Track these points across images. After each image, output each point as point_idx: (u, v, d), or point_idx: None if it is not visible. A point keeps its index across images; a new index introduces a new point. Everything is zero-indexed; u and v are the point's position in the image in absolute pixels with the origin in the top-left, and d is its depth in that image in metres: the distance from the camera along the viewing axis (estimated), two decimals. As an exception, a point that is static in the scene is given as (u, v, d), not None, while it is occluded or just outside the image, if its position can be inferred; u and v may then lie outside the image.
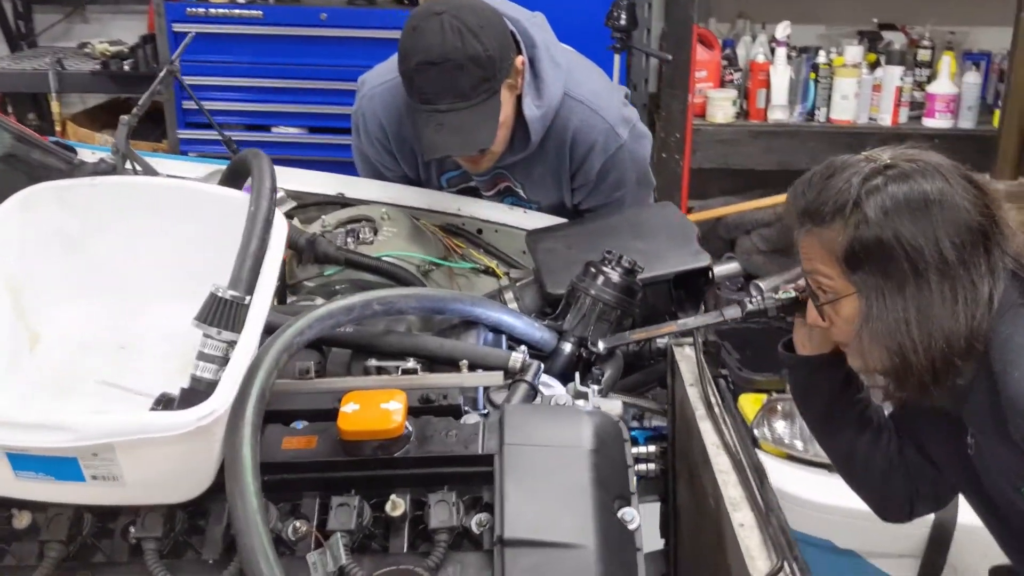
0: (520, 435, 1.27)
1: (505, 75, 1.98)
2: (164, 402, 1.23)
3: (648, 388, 1.96)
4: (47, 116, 4.28)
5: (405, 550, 1.22)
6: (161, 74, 2.24)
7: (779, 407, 2.97)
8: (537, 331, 1.64)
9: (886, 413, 1.70)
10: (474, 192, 2.33)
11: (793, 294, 1.57)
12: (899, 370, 1.39)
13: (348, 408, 1.26)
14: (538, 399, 1.40)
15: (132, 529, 1.23)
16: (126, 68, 4.08)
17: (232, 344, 1.21)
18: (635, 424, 2.04)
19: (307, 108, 4.15)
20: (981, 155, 3.92)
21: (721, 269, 4.10)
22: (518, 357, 1.44)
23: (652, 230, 1.98)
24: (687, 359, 1.77)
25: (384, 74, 2.19)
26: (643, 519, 2.18)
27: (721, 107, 4.24)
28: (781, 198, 3.94)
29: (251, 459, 1.15)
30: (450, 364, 1.45)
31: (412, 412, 1.35)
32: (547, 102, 2.06)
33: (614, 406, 1.45)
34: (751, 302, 1.57)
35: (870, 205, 1.35)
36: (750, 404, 2.82)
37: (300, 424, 1.35)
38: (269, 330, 1.32)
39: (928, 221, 1.32)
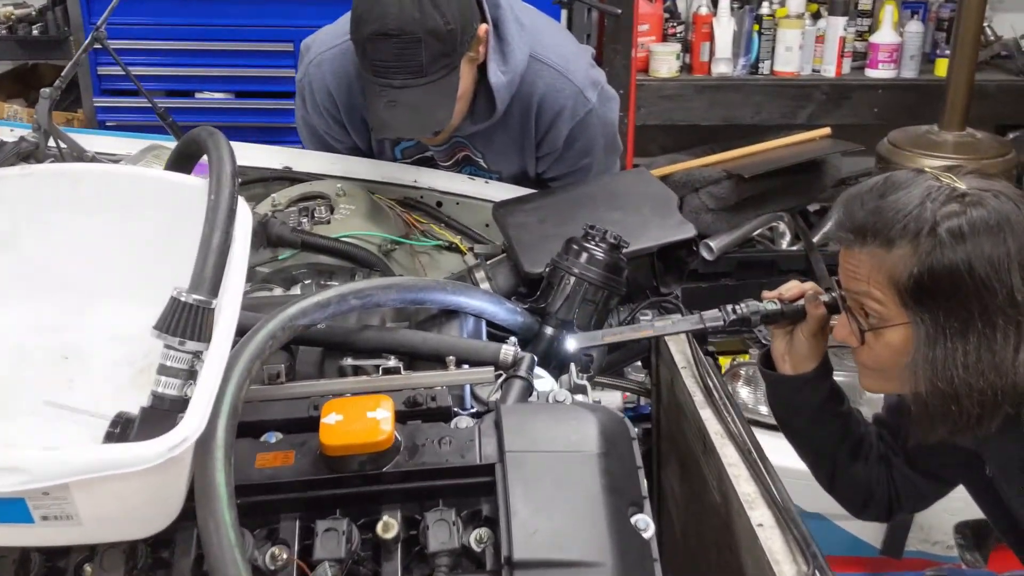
0: (521, 440, 1.15)
1: (466, 48, 1.84)
2: (122, 425, 1.08)
3: (624, 365, 1.87)
4: (-50, 84, 3.97)
5: (399, 575, 1.11)
6: (86, 41, 2.05)
7: (742, 372, 2.92)
8: (519, 316, 1.53)
9: (876, 419, 1.65)
10: (430, 163, 2.19)
11: (777, 306, 1.49)
12: (944, 411, 1.30)
13: (330, 419, 1.13)
14: (533, 395, 1.28)
15: (88, 568, 1.09)
16: (35, 32, 3.78)
17: (198, 355, 1.06)
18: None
19: (234, 72, 3.91)
20: (924, 106, 3.90)
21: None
22: (509, 350, 1.32)
23: (630, 199, 1.87)
24: (675, 339, 1.67)
25: (333, 38, 2.02)
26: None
27: (665, 61, 4.13)
28: (729, 154, 3.86)
29: (226, 487, 1.02)
30: (433, 360, 1.32)
31: (399, 417, 1.23)
32: (513, 67, 1.92)
33: (613, 399, 1.34)
34: (733, 311, 1.47)
35: (946, 232, 1.25)
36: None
37: (273, 436, 1.21)
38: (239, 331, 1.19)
39: (1005, 258, 1.24)
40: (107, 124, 4.01)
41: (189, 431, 0.95)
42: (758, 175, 3.77)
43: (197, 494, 1.02)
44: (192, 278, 1.13)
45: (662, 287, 1.78)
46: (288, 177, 2.08)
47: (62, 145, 1.99)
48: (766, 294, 1.51)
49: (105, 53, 3.93)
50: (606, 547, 1.07)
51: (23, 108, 3.90)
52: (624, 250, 1.63)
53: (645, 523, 1.13)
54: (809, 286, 1.50)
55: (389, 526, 1.10)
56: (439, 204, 2.09)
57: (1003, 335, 1.25)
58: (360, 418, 1.13)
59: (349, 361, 1.31)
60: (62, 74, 2.00)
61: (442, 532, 1.09)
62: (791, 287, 1.51)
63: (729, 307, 1.47)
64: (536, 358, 1.33)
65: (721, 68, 4.15)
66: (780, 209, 2.36)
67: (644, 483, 1.19)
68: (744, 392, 2.94)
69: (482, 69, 1.91)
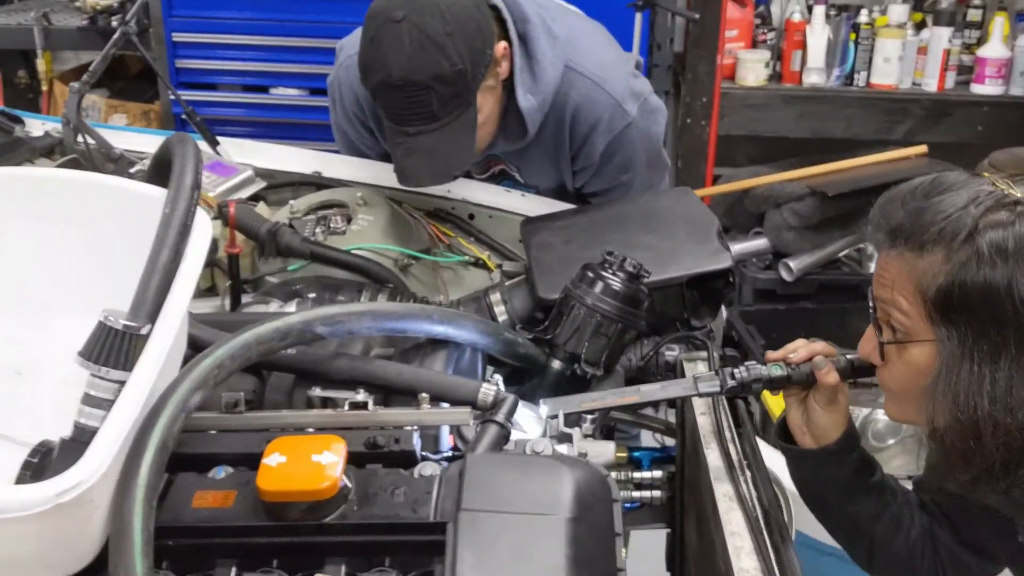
0: (482, 497, 1.03)
1: (481, 79, 1.72)
2: (42, 455, 1.00)
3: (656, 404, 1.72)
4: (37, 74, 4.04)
5: (334, 639, 1.00)
6: (115, 36, 2.00)
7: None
8: (521, 348, 1.40)
9: (917, 484, 1.46)
10: (466, 174, 2.07)
11: (784, 371, 1.31)
12: (963, 450, 1.14)
13: (271, 460, 1.03)
14: (511, 443, 1.16)
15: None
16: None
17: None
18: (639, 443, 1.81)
19: (308, 68, 3.88)
20: (1034, 125, 3.62)
21: (748, 246, 3.86)
22: (490, 390, 1.20)
23: (666, 222, 1.72)
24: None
25: (362, 40, 1.93)
26: (648, 547, 1.96)
27: (752, 69, 3.93)
28: (816, 169, 3.63)
29: (142, 532, 0.93)
30: (408, 395, 1.21)
31: (356, 460, 1.12)
32: (544, 87, 1.79)
33: (604, 451, 1.21)
34: (732, 377, 1.31)
35: (986, 242, 1.09)
36: (776, 399, 2.57)
37: (223, 471, 1.12)
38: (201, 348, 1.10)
39: None
40: (182, 117, 4.04)
41: (83, 476, 0.86)
42: (844, 193, 3.57)
43: (111, 536, 0.94)
44: (133, 300, 1.04)
45: (694, 320, 1.63)
46: (317, 183, 1.99)
47: (90, 141, 1.96)
48: (770, 355, 1.34)
49: (183, 46, 3.99)
50: (562, 627, 0.94)
51: (102, 99, 3.95)
52: (646, 280, 1.49)
53: (618, 603, 1.00)
54: (820, 347, 1.33)
55: (324, 585, 0.99)
56: (471, 217, 1.98)
57: None
58: (304, 462, 1.03)
59: (318, 392, 1.21)
60: (91, 68, 1.97)
61: (376, 600, 0.98)
62: (798, 348, 1.34)
63: (728, 371, 1.30)
64: (518, 400, 1.20)
65: (813, 78, 3.93)
66: (868, 230, 2.16)
67: (622, 553, 1.05)
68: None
69: (510, 84, 1.79)
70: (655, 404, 1.52)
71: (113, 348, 0.97)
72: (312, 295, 1.59)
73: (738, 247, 3.83)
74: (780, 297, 3.74)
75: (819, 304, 3.76)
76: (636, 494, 1.64)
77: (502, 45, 1.75)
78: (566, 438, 1.18)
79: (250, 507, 1.04)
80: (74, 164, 1.87)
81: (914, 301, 1.15)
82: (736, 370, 1.30)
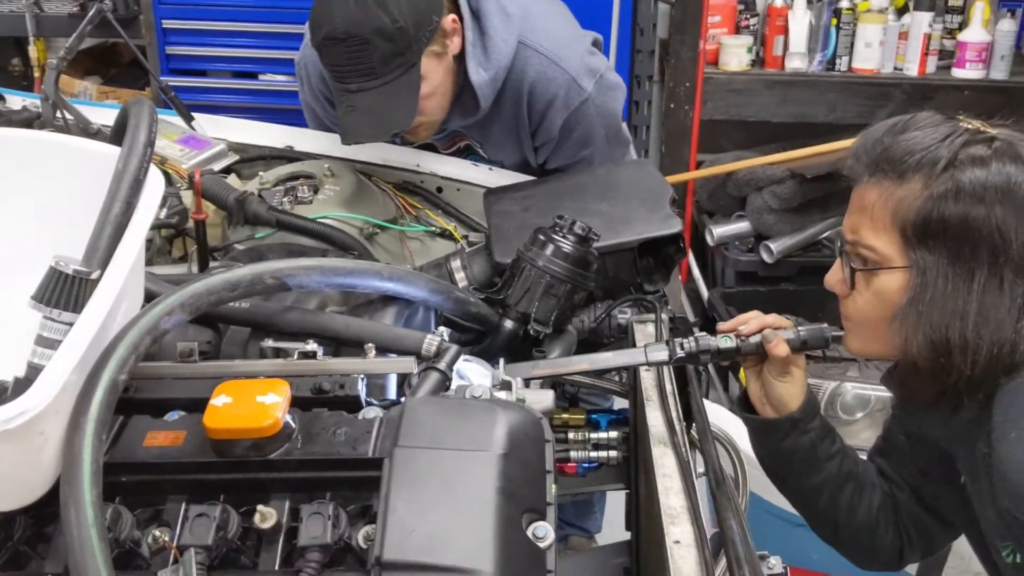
0: (417, 435, 1.08)
1: (425, 43, 1.76)
2: (-3, 392, 1.05)
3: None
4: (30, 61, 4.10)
5: (277, 566, 1.05)
6: (90, 13, 2.06)
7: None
8: (473, 307, 1.45)
9: (874, 452, 1.51)
10: (431, 148, 2.13)
11: (733, 343, 1.36)
12: (937, 367, 1.19)
13: (218, 401, 1.09)
14: (452, 389, 1.21)
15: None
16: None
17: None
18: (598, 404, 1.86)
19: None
20: (1013, 109, 3.65)
21: (730, 228, 3.91)
22: (433, 340, 1.25)
23: (622, 191, 1.77)
24: (649, 337, 1.58)
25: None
26: (610, 508, 1.99)
27: (735, 54, 3.97)
28: (797, 153, 3.67)
29: (91, 463, 0.98)
30: (356, 346, 1.26)
31: (303, 404, 1.18)
32: (496, 62, 1.84)
33: (543, 398, 1.26)
34: (681, 347, 1.36)
35: (967, 175, 1.15)
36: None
37: (175, 415, 1.18)
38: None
39: None
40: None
41: (28, 405, 0.91)
42: (823, 175, 3.62)
43: (63, 467, 0.99)
44: (86, 248, 1.10)
45: (647, 284, 1.68)
46: (289, 156, 2.05)
47: (68, 116, 2.01)
48: (721, 327, 1.39)
49: (173, 32, 4.04)
50: (488, 554, 0.99)
51: (94, 85, 4.00)
52: (597, 243, 1.54)
53: (544, 531, 1.06)
54: (771, 320, 1.38)
55: (266, 516, 1.05)
56: (439, 190, 2.04)
57: (1010, 291, 1.15)
58: (248, 402, 1.08)
59: (270, 343, 1.27)
60: (67, 45, 2.02)
61: (315, 526, 1.03)
62: (750, 319, 1.39)
63: (677, 341, 1.35)
64: (461, 350, 1.25)
65: (795, 63, 3.97)
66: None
67: (552, 489, 1.11)
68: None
69: (463, 60, 1.84)
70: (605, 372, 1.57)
71: (64, 292, 1.03)
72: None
73: (720, 230, 3.89)
74: (761, 279, 3.80)
75: (800, 286, 3.81)
76: (594, 454, 1.69)
77: (451, 17, 1.80)
78: (506, 386, 1.24)
79: (198, 445, 1.10)
80: (52, 138, 1.92)
81: (889, 228, 1.20)
82: (685, 340, 1.35)
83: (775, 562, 2.05)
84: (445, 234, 1.93)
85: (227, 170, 1.98)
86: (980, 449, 1.18)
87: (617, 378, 1.77)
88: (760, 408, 1.42)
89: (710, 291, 3.90)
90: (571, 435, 1.71)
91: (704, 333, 1.39)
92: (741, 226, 3.85)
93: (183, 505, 1.09)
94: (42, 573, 1.05)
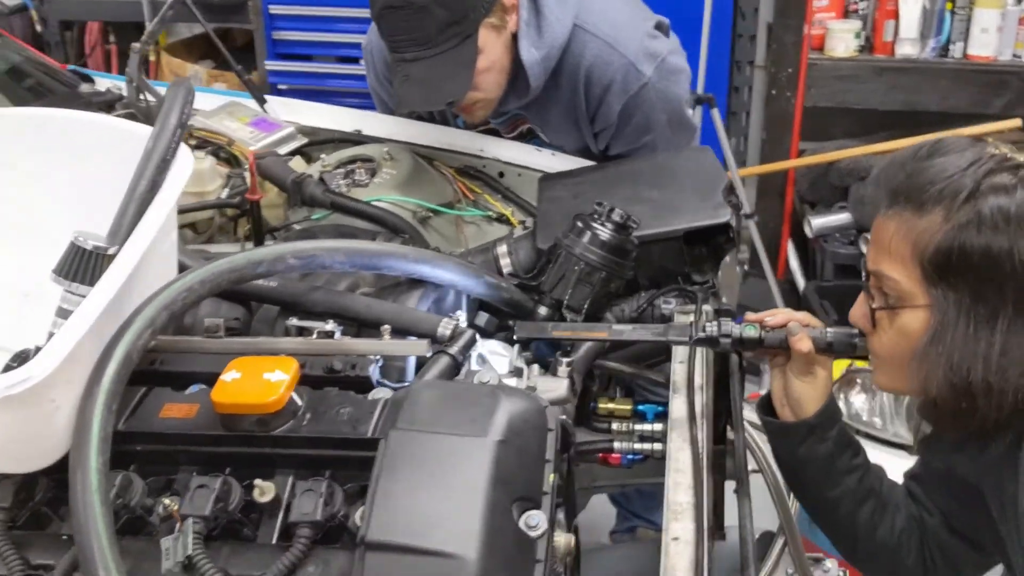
0: (416, 418, 1.09)
1: (483, 14, 1.75)
2: (20, 360, 1.11)
3: (662, 360, 1.74)
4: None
5: (274, 540, 1.08)
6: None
7: (858, 380, 2.69)
8: (504, 293, 1.45)
9: (909, 476, 1.44)
10: (495, 134, 2.12)
11: (757, 332, 1.31)
12: (958, 410, 1.13)
13: (228, 376, 1.12)
14: (461, 374, 1.21)
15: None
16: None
17: (92, 301, 1.08)
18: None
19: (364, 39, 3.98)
20: None
21: (830, 220, 3.78)
22: (448, 324, 1.25)
23: (676, 178, 1.74)
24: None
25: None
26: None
27: (842, 39, 3.82)
28: (903, 143, 3.56)
29: (98, 431, 1.03)
30: (374, 327, 1.28)
31: (315, 383, 1.20)
32: (549, 42, 1.82)
33: (556, 386, 1.25)
34: (703, 330, 1.31)
35: (989, 204, 1.09)
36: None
37: (196, 388, 1.22)
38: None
39: None
40: (279, 87, 4.21)
41: (31, 373, 0.96)
42: (931, 167, 3.45)
43: (74, 434, 1.04)
44: (111, 225, 1.15)
45: (696, 274, 1.64)
46: (356, 140, 2.08)
47: (149, 98, 2.10)
48: (749, 316, 1.34)
49: (280, 18, 4.15)
50: (473, 541, 0.99)
51: (204, 69, 4.16)
52: (638, 231, 1.51)
53: (536, 521, 1.05)
54: (800, 316, 1.33)
55: (264, 490, 1.08)
56: (501, 175, 2.03)
57: None
58: (255, 379, 1.11)
59: (294, 322, 1.30)
60: (148, 30, 2.11)
61: (307, 502, 1.05)
62: (777, 314, 1.34)
63: (701, 324, 1.32)
64: (476, 335, 1.25)
65: (906, 49, 3.79)
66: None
67: (550, 478, 1.10)
68: (858, 401, 2.70)
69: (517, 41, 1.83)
70: (624, 344, 1.54)
71: (82, 266, 1.08)
72: (326, 241, 1.67)
73: (820, 221, 3.76)
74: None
75: (902, 282, 3.66)
76: (638, 446, 1.67)
77: None
78: (518, 372, 1.23)
79: (209, 419, 1.13)
80: (130, 119, 2.01)
81: (910, 263, 1.14)
82: (709, 323, 1.31)
83: (831, 565, 1.99)
84: (502, 219, 1.93)
85: (296, 153, 2.02)
86: (1008, 489, 1.11)
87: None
88: (780, 410, 1.37)
89: (806, 284, 3.79)
90: (615, 426, 1.69)
91: (729, 319, 1.35)
92: (842, 217, 3.72)
93: (193, 475, 1.14)
94: (60, 534, 1.11)
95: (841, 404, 2.54)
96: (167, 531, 1.08)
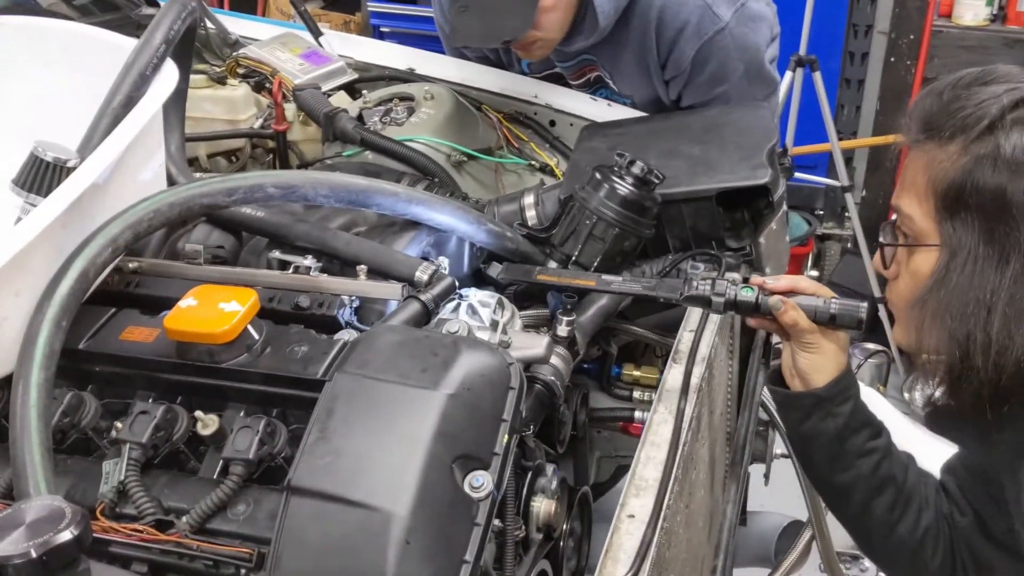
0: (366, 363, 1.02)
1: None
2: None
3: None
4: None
5: (215, 475, 1.04)
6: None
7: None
8: (509, 242, 1.37)
9: (944, 469, 1.29)
10: (562, 81, 2.02)
11: (752, 296, 1.19)
12: (954, 368, 1.02)
13: (184, 303, 1.08)
14: (432, 323, 1.14)
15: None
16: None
17: (50, 212, 1.05)
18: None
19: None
20: None
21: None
22: (427, 269, 1.18)
23: (723, 134, 1.61)
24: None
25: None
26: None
27: (972, 7, 3.55)
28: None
29: (44, 347, 1.01)
30: (352, 265, 1.22)
31: (280, 318, 1.15)
32: None
33: (533, 343, 1.16)
34: (695, 287, 1.20)
35: (1011, 140, 0.98)
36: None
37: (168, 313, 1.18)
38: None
39: None
40: (382, 29, 4.19)
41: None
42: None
43: (21, 347, 1.02)
44: (83, 138, 1.12)
45: (732, 239, 1.52)
46: (408, 78, 2.02)
47: (210, 26, 2.08)
48: (754, 279, 1.22)
49: (383, -40, 4.11)
50: (403, 495, 0.93)
51: (312, 7, 4.16)
52: (667, 189, 1.40)
53: (481, 482, 0.98)
54: (805, 284, 1.20)
55: (207, 423, 1.04)
56: (552, 123, 1.94)
57: None
58: (210, 307, 1.07)
59: (277, 254, 1.25)
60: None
61: (242, 440, 1.01)
62: (782, 278, 1.21)
63: (695, 282, 1.21)
64: (456, 283, 1.18)
65: (1043, 20, 3.49)
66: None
67: (503, 439, 1.02)
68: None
69: None
70: (652, 308, 1.44)
71: (41, 178, 1.05)
72: (348, 178, 1.62)
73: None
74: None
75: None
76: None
77: None
78: (494, 325, 1.15)
79: (167, 345, 1.10)
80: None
81: (925, 198, 1.05)
82: (702, 282, 1.21)
83: (870, 565, 1.85)
84: (545, 169, 1.84)
85: (344, 88, 1.97)
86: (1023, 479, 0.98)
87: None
88: (789, 380, 1.25)
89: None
90: (637, 394, 1.60)
91: (727, 281, 1.23)
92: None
93: (149, 401, 1.11)
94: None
95: (917, 394, 2.37)
96: (115, 455, 1.06)
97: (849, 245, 3.76)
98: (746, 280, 1.26)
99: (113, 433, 1.07)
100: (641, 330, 1.56)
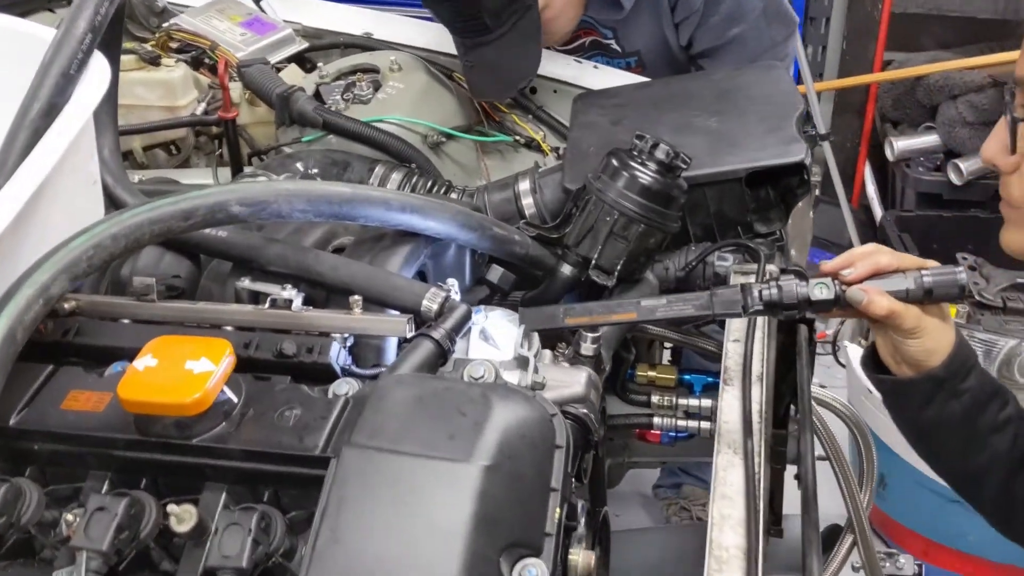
0: (378, 430, 0.83)
1: None
2: None
3: (708, 322, 1.45)
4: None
5: (198, 578, 0.84)
6: None
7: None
8: (517, 247, 1.17)
9: None
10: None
11: (831, 292, 1.02)
12: None
13: (141, 363, 0.86)
14: (450, 363, 0.94)
15: None
16: None
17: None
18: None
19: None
20: None
21: (915, 142, 3.40)
22: (436, 296, 0.98)
23: (739, 103, 1.42)
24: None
25: None
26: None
27: (940, -64, 3.38)
28: (1003, 56, 3.09)
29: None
30: (343, 294, 1.01)
31: (261, 367, 0.94)
32: None
33: (572, 380, 0.97)
34: (761, 295, 1.02)
35: None
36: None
37: (119, 366, 0.96)
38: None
39: None
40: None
41: None
42: (1033, 84, 3.04)
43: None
44: (-3, 156, 0.89)
45: (760, 224, 1.34)
46: (365, 45, 1.78)
47: (133, -8, 1.82)
48: (824, 267, 1.04)
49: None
50: (444, 606, 0.74)
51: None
52: (688, 172, 1.21)
53: (535, 574, 0.79)
54: (887, 260, 1.03)
55: (181, 517, 0.82)
56: (533, 91, 1.73)
57: None
58: (175, 368, 0.85)
59: (247, 283, 1.03)
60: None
61: (231, 542, 0.80)
62: (854, 262, 1.03)
63: (756, 287, 1.02)
64: (470, 311, 0.98)
65: (1014, -53, 3.34)
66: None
67: (555, 514, 0.83)
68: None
69: None
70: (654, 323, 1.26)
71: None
72: (314, 171, 1.40)
73: (903, 143, 3.38)
74: (947, 203, 3.29)
75: (992, 213, 3.27)
76: (683, 423, 1.41)
77: None
78: (522, 363, 0.95)
79: (121, 415, 0.88)
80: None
81: None
82: (766, 287, 1.02)
83: (905, 561, 1.72)
84: (532, 145, 1.64)
85: (294, 60, 1.73)
86: None
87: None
88: (894, 366, 1.08)
89: (884, 213, 3.42)
90: (655, 399, 1.43)
91: (792, 277, 1.05)
92: (928, 139, 3.34)
93: (106, 482, 0.90)
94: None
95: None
96: (67, 559, 0.84)
97: (818, 192, 3.62)
98: (790, 271, 1.07)
99: (63, 528, 0.85)
100: (659, 330, 1.38)
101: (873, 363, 1.13)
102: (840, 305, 1.02)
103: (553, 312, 1.03)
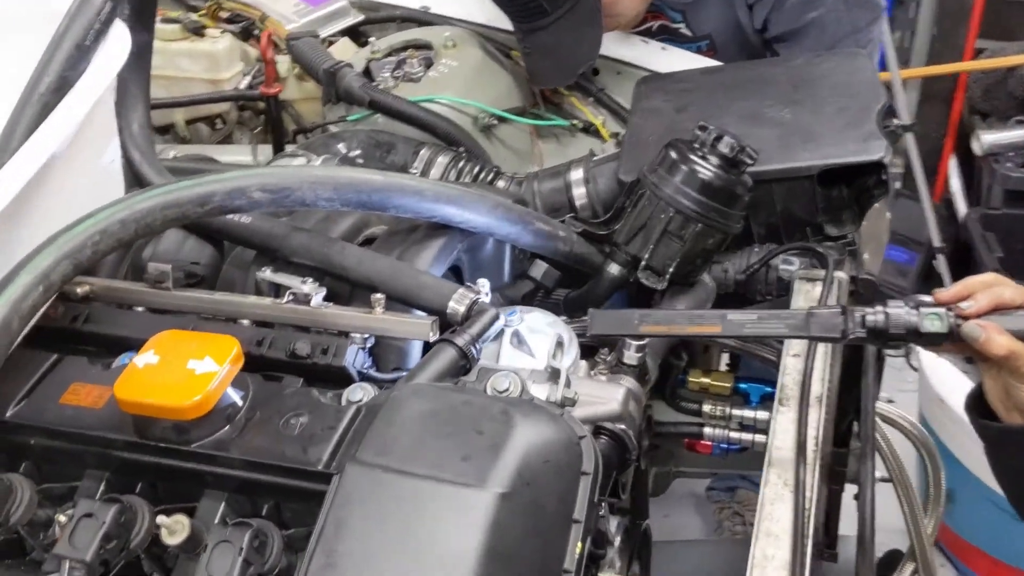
0: (387, 447, 0.76)
1: None
2: None
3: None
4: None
5: (187, 598, 0.78)
6: None
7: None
8: (562, 243, 1.08)
9: None
10: None
11: (944, 324, 0.90)
12: None
13: (141, 360, 0.80)
14: (473, 374, 0.86)
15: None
16: None
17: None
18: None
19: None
20: None
21: (1005, 136, 3.20)
22: (464, 297, 0.90)
23: (817, 93, 1.31)
24: (813, 301, 1.14)
25: None
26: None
27: (1047, -85, 3.16)
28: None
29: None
30: (367, 290, 0.94)
31: (271, 367, 0.88)
32: None
33: (606, 395, 0.89)
34: (864, 320, 0.90)
35: None
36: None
37: (127, 357, 0.91)
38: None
39: None
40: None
41: None
42: None
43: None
44: (1, 133, 0.83)
45: (831, 226, 1.23)
46: (421, 19, 1.71)
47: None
48: (939, 296, 0.92)
49: None
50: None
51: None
52: (754, 167, 1.11)
53: (551, 617, 0.71)
54: (1010, 295, 0.90)
55: (173, 529, 0.76)
56: (596, 72, 1.63)
57: None
58: (176, 367, 0.79)
59: (268, 273, 0.96)
60: None
61: (220, 562, 0.74)
62: (975, 291, 0.92)
63: (859, 314, 0.90)
64: (499, 315, 0.90)
65: None
66: None
67: (576, 548, 0.75)
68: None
69: None
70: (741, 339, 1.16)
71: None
72: (356, 152, 1.33)
73: (991, 137, 3.18)
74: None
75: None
76: (736, 435, 1.32)
77: None
78: (554, 375, 0.87)
79: (120, 414, 0.82)
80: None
81: None
82: (870, 311, 0.91)
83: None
84: (590, 130, 1.55)
85: (347, 33, 1.66)
86: None
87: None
88: (1003, 412, 0.96)
89: (968, 210, 3.24)
90: (707, 407, 1.33)
91: (903, 304, 0.93)
92: (1019, 134, 3.14)
93: (102, 483, 0.84)
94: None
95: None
96: (54, 563, 0.79)
97: (899, 185, 3.45)
98: (905, 299, 0.95)
99: (55, 529, 0.81)
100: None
101: (978, 406, 1.01)
102: (952, 339, 0.91)
103: (627, 317, 0.93)
